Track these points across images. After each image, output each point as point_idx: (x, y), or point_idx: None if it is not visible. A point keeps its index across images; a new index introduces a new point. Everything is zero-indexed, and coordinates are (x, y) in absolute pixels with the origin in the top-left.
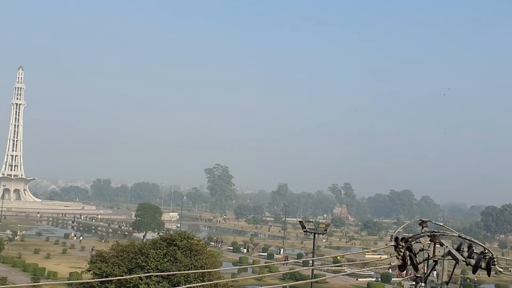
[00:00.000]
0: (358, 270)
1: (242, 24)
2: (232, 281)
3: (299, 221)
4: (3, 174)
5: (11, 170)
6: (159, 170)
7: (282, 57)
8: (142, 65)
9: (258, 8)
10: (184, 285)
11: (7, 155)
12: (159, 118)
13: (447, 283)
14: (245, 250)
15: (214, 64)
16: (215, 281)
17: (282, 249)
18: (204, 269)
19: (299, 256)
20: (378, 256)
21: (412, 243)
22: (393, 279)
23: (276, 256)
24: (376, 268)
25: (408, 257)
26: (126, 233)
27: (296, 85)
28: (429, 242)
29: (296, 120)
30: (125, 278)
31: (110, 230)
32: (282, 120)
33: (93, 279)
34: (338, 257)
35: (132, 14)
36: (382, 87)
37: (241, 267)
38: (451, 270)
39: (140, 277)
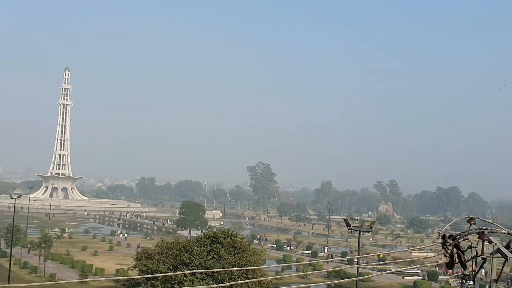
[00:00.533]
0: (404, 268)
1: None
2: (276, 279)
3: (344, 219)
4: (52, 173)
5: (59, 169)
6: (202, 169)
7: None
8: (185, 67)
9: (264, 7)
10: (228, 282)
11: (55, 154)
12: (202, 117)
13: (496, 281)
14: (288, 248)
15: (244, 62)
16: (259, 279)
17: (327, 247)
18: (247, 266)
19: (344, 254)
20: (425, 254)
21: (460, 240)
22: (440, 277)
23: (320, 254)
24: (423, 266)
25: (456, 255)
26: (170, 230)
27: (342, 82)
28: (477, 240)
29: (340, 117)
30: (170, 275)
31: (155, 227)
32: (324, 117)
33: (139, 275)
34: (382, 255)
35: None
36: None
37: (285, 264)
38: (500, 268)
39: (184, 274)
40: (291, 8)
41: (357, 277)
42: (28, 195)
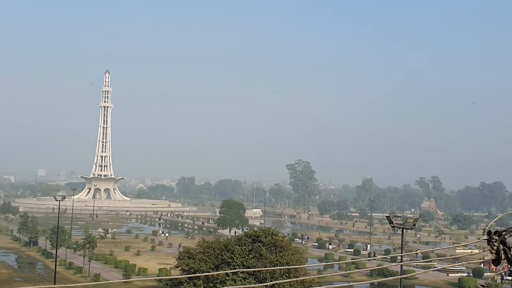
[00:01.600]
0: (449, 265)
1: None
2: (319, 277)
3: (387, 216)
4: (94, 175)
5: (101, 170)
6: (241, 167)
7: (362, 54)
8: (220, 67)
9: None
10: (270, 281)
11: (97, 156)
12: (240, 116)
13: None
14: (330, 246)
15: (283, 60)
16: (301, 278)
17: (369, 245)
18: (289, 265)
19: (387, 252)
20: (469, 250)
21: (506, 236)
22: (485, 273)
23: (362, 252)
24: (468, 263)
25: (502, 251)
26: (211, 229)
27: (376, 80)
28: None
29: (380, 113)
30: (212, 274)
31: (196, 227)
32: (364, 113)
33: (181, 275)
34: (419, 252)
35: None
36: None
37: (327, 263)
38: None
39: (226, 273)
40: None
41: (400, 275)
42: (72, 197)
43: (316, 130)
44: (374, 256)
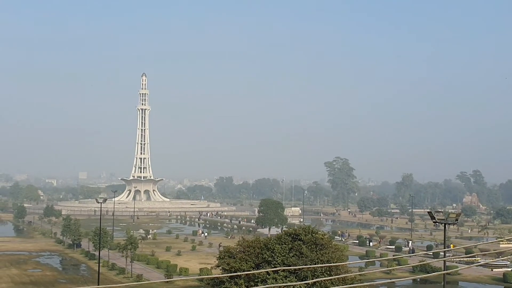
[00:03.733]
0: (493, 260)
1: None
2: (360, 275)
3: (428, 212)
4: (134, 177)
5: (141, 172)
6: (278, 166)
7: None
8: (254, 68)
9: None
10: (312, 279)
11: (136, 158)
12: (276, 115)
13: None
14: (371, 243)
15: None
16: (343, 275)
17: (410, 241)
18: (330, 263)
19: (429, 248)
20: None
21: None
22: None
23: (404, 248)
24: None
25: None
26: (251, 229)
27: (413, 71)
28: None
29: (419, 108)
30: (253, 273)
31: (235, 226)
32: (403, 107)
33: (222, 274)
34: (452, 245)
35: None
36: None
37: (369, 260)
38: None
39: (267, 272)
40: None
41: (443, 270)
42: (113, 199)
43: (354, 127)
44: (413, 252)
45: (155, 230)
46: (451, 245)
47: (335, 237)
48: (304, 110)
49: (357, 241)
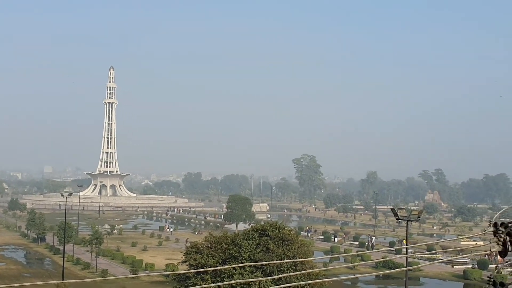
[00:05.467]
0: (454, 257)
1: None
2: (325, 270)
3: (391, 209)
4: (100, 171)
5: (107, 166)
6: (247, 162)
7: (366, 46)
8: (226, 65)
9: None
10: (277, 274)
11: (103, 152)
12: (245, 112)
13: None
14: (335, 239)
15: (298, 55)
16: (308, 271)
17: (374, 237)
18: (296, 258)
19: (391, 244)
20: (474, 242)
21: None
22: (490, 265)
23: (367, 244)
24: (474, 255)
25: (509, 243)
26: (218, 224)
27: (382, 72)
28: None
29: (384, 108)
30: (220, 269)
31: (203, 222)
32: (368, 108)
33: (188, 270)
34: (404, 241)
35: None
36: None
37: (333, 256)
38: None
39: (234, 267)
40: None
41: (406, 267)
42: (78, 193)
43: (320, 124)
44: (373, 247)
45: (121, 225)
46: (404, 240)
47: (302, 232)
48: (272, 107)
49: (323, 237)
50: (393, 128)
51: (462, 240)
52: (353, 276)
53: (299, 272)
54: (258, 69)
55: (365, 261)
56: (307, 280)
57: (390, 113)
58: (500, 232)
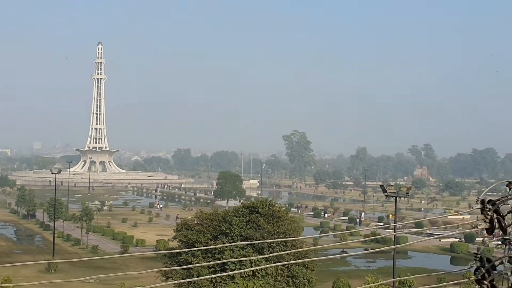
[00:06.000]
0: (442, 231)
1: None
2: (314, 245)
3: (380, 185)
4: (89, 147)
5: (96, 143)
6: (237, 139)
7: (352, 24)
8: (217, 38)
9: None
10: (268, 250)
11: (92, 128)
12: (234, 88)
13: None
14: (325, 215)
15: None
16: (298, 250)
17: (363, 213)
18: (286, 234)
19: (380, 219)
20: (461, 216)
21: (500, 205)
22: (477, 238)
23: (357, 220)
24: (460, 229)
25: (495, 220)
26: (208, 201)
27: (372, 47)
28: None
29: (373, 84)
30: (211, 246)
31: (193, 198)
32: (357, 84)
33: (179, 246)
34: (391, 215)
35: None
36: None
37: (324, 235)
38: None
39: (225, 244)
40: None
41: (394, 242)
42: (68, 170)
43: (310, 100)
44: (360, 223)
45: (111, 202)
46: (390, 215)
47: (292, 209)
48: (261, 83)
49: (313, 213)
50: (382, 104)
51: (449, 214)
52: (344, 255)
53: (290, 251)
54: (248, 45)
55: (354, 235)
56: (297, 255)
57: (379, 89)
58: (487, 209)
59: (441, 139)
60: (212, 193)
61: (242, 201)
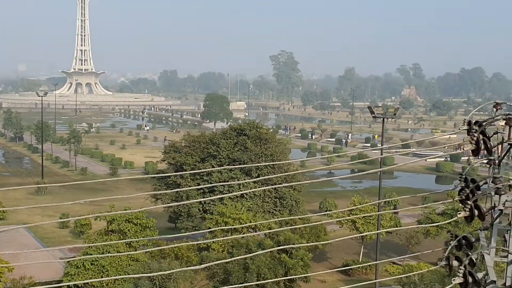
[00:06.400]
0: (427, 151)
1: None
2: (301, 166)
3: (368, 107)
4: (74, 69)
5: (82, 64)
6: (224, 60)
7: None
8: None
9: None
10: (255, 172)
11: (77, 50)
12: (222, 7)
13: None
14: (313, 137)
15: None
16: (286, 173)
17: (350, 134)
18: (273, 156)
19: (367, 140)
20: (447, 136)
21: (486, 126)
22: (462, 158)
23: (344, 141)
24: (446, 149)
25: (481, 141)
26: (196, 123)
27: None
28: (504, 125)
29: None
30: (199, 168)
31: (180, 120)
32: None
33: (168, 168)
34: (376, 136)
35: None
36: None
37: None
38: None
39: (213, 166)
40: None
41: (380, 163)
42: (54, 92)
43: (297, 20)
44: (346, 144)
45: (98, 124)
46: (376, 136)
47: (279, 130)
48: (249, 2)
49: (300, 135)
50: (371, 22)
51: (435, 134)
52: (331, 178)
53: (278, 175)
54: None
55: (341, 156)
56: (285, 178)
57: (368, 7)
58: (473, 130)
59: (430, 59)
60: (199, 115)
61: (229, 123)
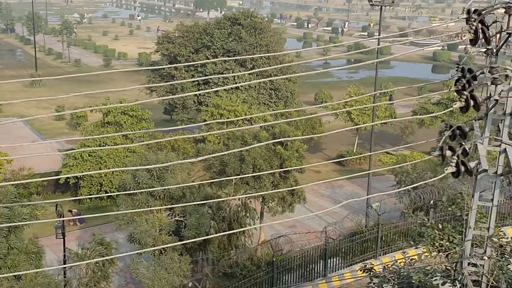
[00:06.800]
0: (424, 39)
1: None
2: (296, 57)
3: None
4: None
5: None
6: None
7: None
8: None
9: None
10: (250, 64)
11: None
12: None
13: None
14: (309, 25)
15: None
16: (281, 65)
17: (347, 23)
18: (268, 46)
19: (364, 28)
20: (445, 24)
21: (485, 15)
22: (459, 46)
23: (340, 30)
24: (442, 37)
25: (480, 31)
26: (189, 12)
27: None
28: (503, 14)
29: None
30: (193, 60)
31: (173, 10)
32: None
33: (161, 59)
34: (372, 24)
35: None
36: None
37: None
38: None
39: (207, 57)
40: None
41: (377, 52)
42: None
43: None
44: (343, 32)
45: (90, 14)
46: (372, 24)
47: (274, 19)
48: None
49: (296, 24)
50: None
51: (433, 22)
52: (327, 70)
53: (273, 67)
54: None
55: (337, 46)
56: (281, 71)
57: None
58: (472, 19)
59: None
60: (192, 4)
61: (223, 12)
